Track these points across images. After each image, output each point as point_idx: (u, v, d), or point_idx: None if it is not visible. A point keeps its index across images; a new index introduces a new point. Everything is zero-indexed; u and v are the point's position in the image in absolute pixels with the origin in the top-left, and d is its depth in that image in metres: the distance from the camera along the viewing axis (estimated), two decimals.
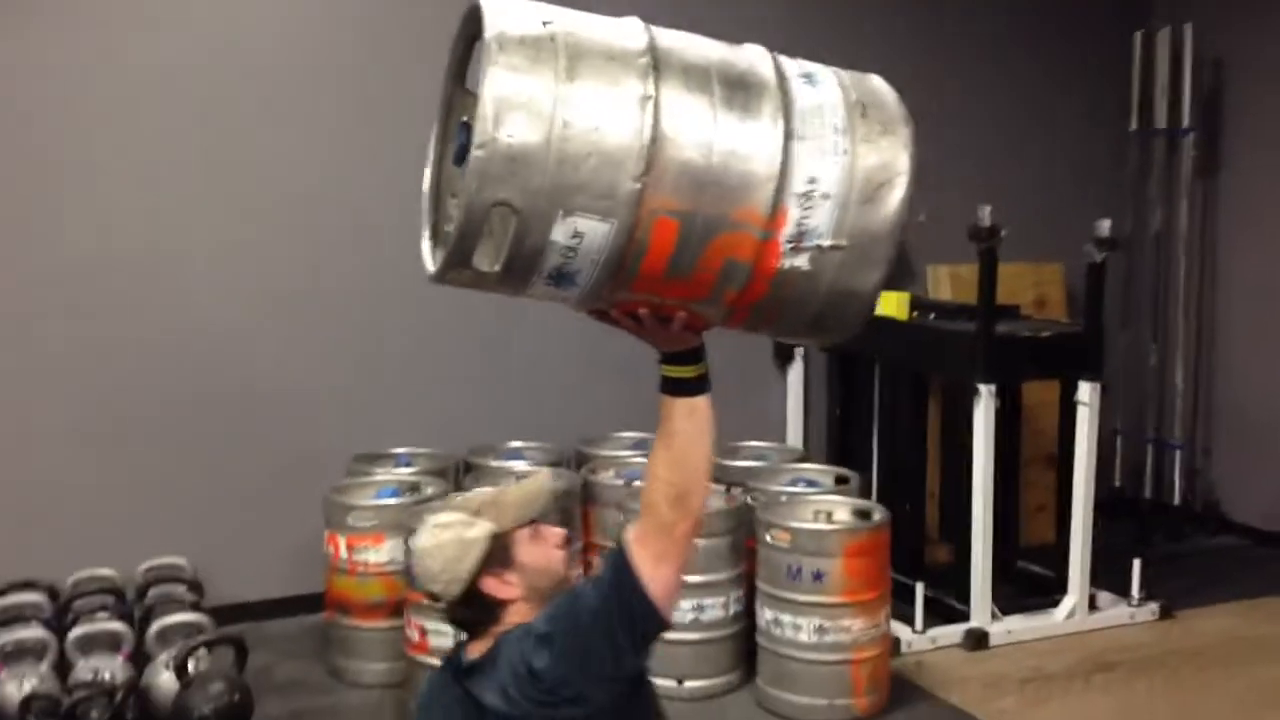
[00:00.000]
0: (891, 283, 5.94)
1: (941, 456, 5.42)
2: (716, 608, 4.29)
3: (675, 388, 1.91)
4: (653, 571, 1.88)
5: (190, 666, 3.93)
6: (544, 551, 2.09)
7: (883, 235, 1.76)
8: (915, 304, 5.47)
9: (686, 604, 4.24)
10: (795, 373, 5.83)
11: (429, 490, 4.59)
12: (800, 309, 1.80)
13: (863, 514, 4.30)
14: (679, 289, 1.76)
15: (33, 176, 4.68)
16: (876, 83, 1.89)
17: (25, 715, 3.84)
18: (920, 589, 4.74)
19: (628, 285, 1.74)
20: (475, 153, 1.61)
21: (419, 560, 2.07)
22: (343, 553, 4.40)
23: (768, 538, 4.15)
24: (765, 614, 4.17)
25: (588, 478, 4.84)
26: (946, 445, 5.37)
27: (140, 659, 4.15)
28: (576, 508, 4.71)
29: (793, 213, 1.71)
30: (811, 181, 1.72)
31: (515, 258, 1.67)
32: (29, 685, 3.91)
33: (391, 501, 4.49)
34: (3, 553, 4.57)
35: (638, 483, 4.74)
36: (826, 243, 1.74)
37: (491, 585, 2.03)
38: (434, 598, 2.11)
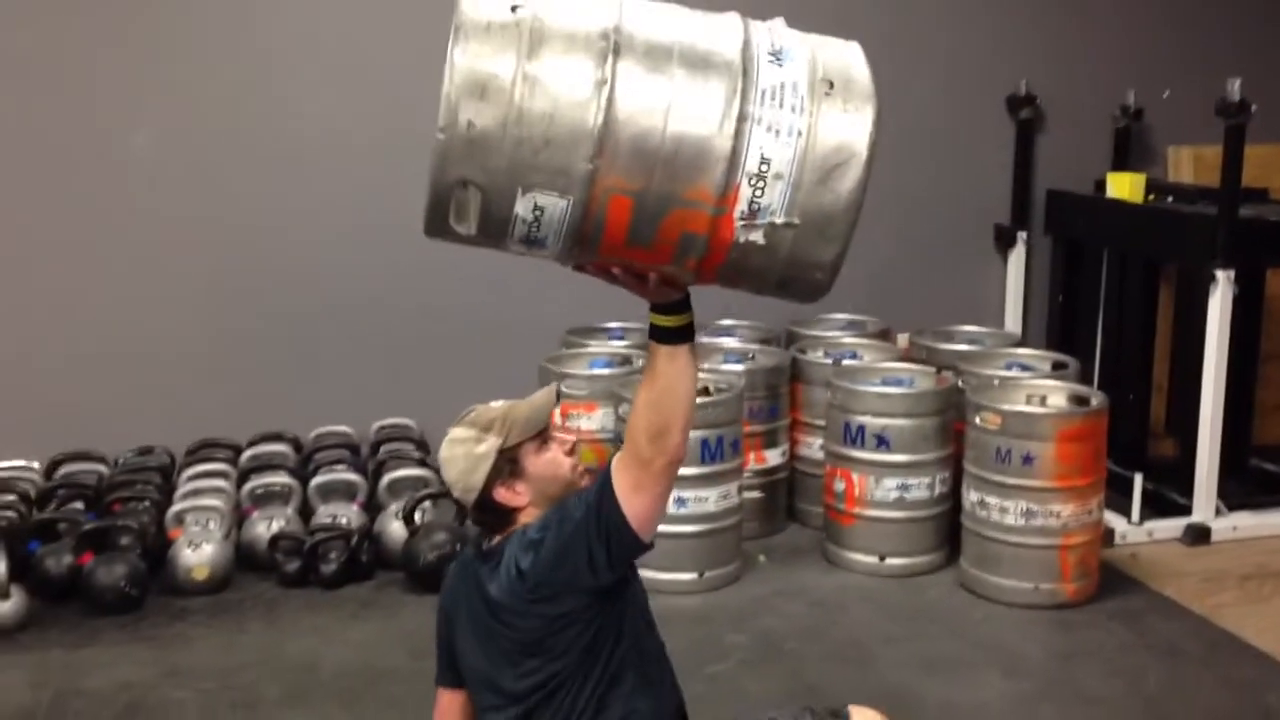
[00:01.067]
0: (1125, 164, 5.70)
1: (1171, 347, 5.17)
2: (921, 488, 4.27)
3: (659, 335, 2.03)
4: (629, 497, 2.05)
5: (417, 516, 4.23)
6: (551, 462, 2.28)
7: (836, 214, 1.79)
8: (1151, 187, 5.18)
9: (890, 482, 4.25)
10: (1017, 257, 5.64)
11: (640, 363, 4.72)
12: (763, 276, 1.86)
13: (1079, 400, 4.17)
14: (642, 255, 1.84)
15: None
16: (851, 56, 1.89)
17: (273, 552, 4.23)
18: (1139, 480, 4.58)
19: (594, 251, 1.84)
20: (438, 135, 1.72)
21: (441, 469, 2.30)
22: (556, 420, 4.58)
23: (977, 420, 4.08)
24: (971, 495, 4.12)
25: (796, 356, 4.86)
26: (1177, 336, 5.11)
27: (373, 508, 4.48)
28: (784, 385, 4.75)
29: (745, 191, 1.76)
30: (764, 163, 1.76)
31: (485, 225, 1.79)
32: (277, 525, 4.30)
33: (604, 372, 4.63)
34: (254, 409, 4.98)
35: (847, 361, 4.74)
36: (779, 220, 1.78)
37: (502, 494, 2.24)
38: (457, 502, 2.33)
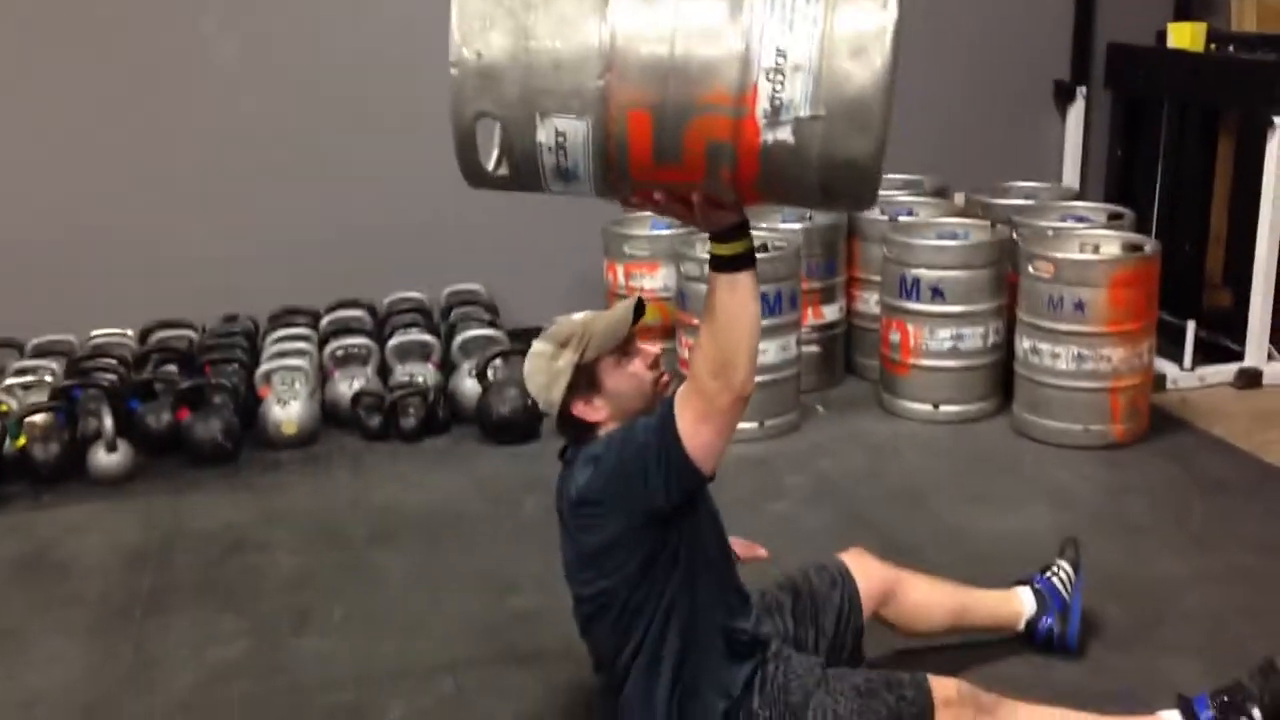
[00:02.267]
0: (1186, 13, 5.62)
1: (1230, 198, 5.17)
2: (975, 337, 4.38)
3: (717, 264, 1.99)
4: (692, 430, 2.04)
5: (489, 374, 4.44)
6: (630, 376, 2.28)
7: (865, 101, 1.70)
8: (1213, 36, 5.13)
9: (944, 333, 4.37)
10: (1076, 112, 5.64)
11: None
12: (801, 181, 1.77)
13: (1132, 247, 4.23)
14: (676, 173, 1.78)
15: None
16: None
17: (355, 408, 4.48)
18: (1191, 327, 4.66)
19: (628, 175, 1.79)
20: (451, 71, 1.72)
21: (526, 382, 2.32)
22: (620, 279, 4.75)
23: (1030, 269, 4.17)
24: (1024, 343, 4.23)
25: (853, 214, 4.94)
26: (1236, 186, 5.11)
27: (447, 367, 4.71)
28: (841, 243, 4.85)
29: (763, 88, 1.69)
30: (780, 55, 1.68)
31: (515, 161, 1.78)
32: (358, 384, 4.54)
33: (664, 232, 4.76)
34: (333, 276, 5.19)
35: (903, 217, 4.83)
36: (805, 114, 1.70)
37: (581, 409, 2.25)
38: (543, 413, 2.36)
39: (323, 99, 5.11)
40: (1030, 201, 4.97)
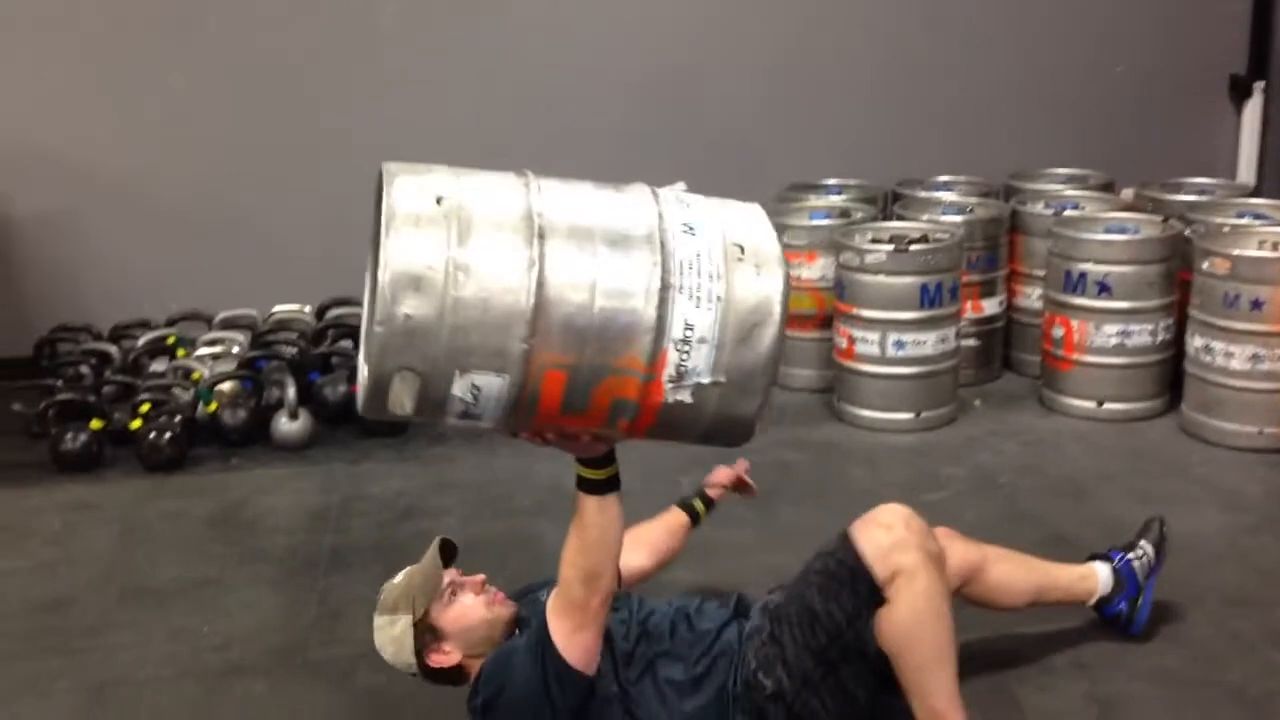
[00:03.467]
0: None
1: None
2: (1143, 334, 4.31)
3: (588, 487, 2.11)
4: (569, 641, 2.18)
5: None
6: (461, 610, 2.40)
7: (758, 370, 1.89)
8: None
9: (1111, 328, 4.30)
10: (1253, 107, 5.47)
11: (858, 215, 4.86)
12: (689, 430, 1.95)
13: None
14: (575, 421, 1.93)
15: None
16: (754, 220, 1.98)
17: None
18: None
19: (529, 420, 1.92)
20: (376, 328, 1.79)
21: (381, 654, 2.44)
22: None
23: (1205, 265, 4.08)
24: (1195, 341, 4.14)
25: (1016, 208, 4.90)
26: None
27: None
28: (1003, 236, 4.81)
29: (672, 356, 1.85)
30: (688, 328, 1.85)
31: (424, 405, 1.85)
32: None
33: (823, 223, 4.80)
34: None
35: (1069, 211, 4.76)
36: (706, 380, 1.87)
37: (437, 659, 2.41)
38: (415, 675, 2.45)
39: (501, 70, 5.22)
40: (1204, 197, 4.85)
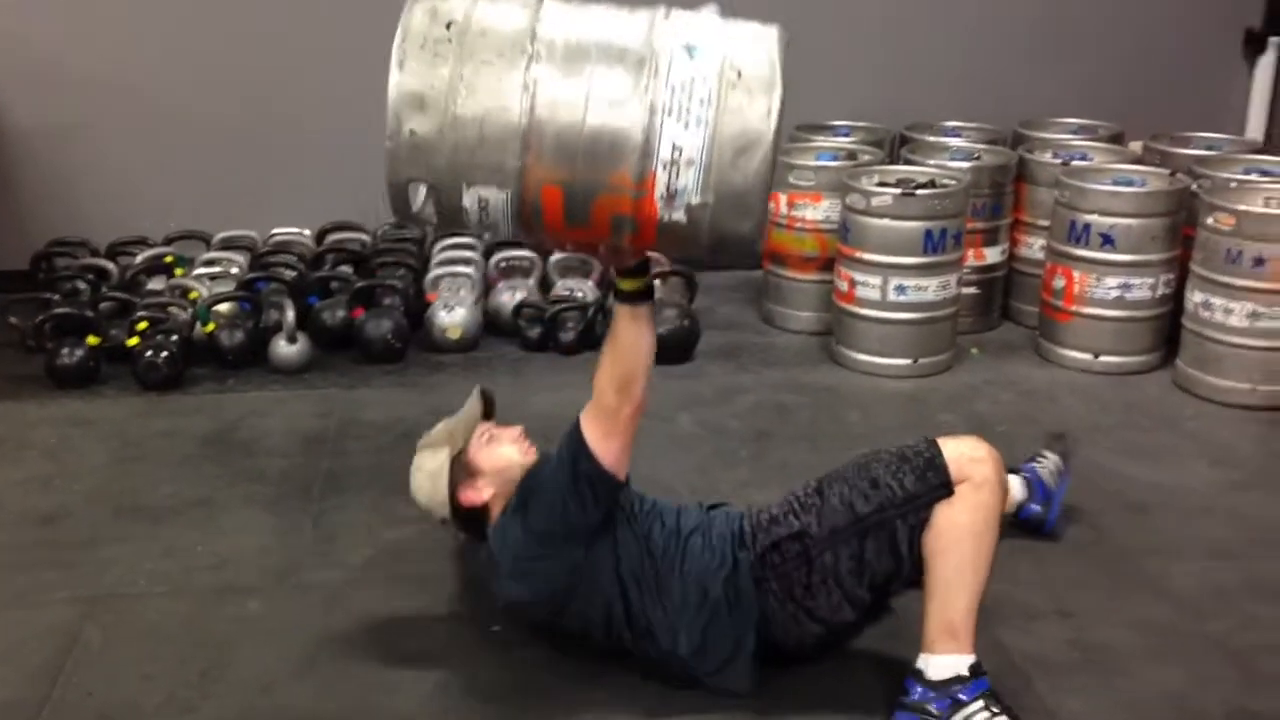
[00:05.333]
0: None
1: None
2: (1143, 288, 4.30)
3: (622, 297, 2.26)
4: (602, 444, 2.30)
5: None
6: (501, 451, 2.53)
7: (747, 191, 1.97)
8: None
9: (1112, 281, 4.30)
10: (1266, 62, 5.42)
11: (865, 158, 4.82)
12: (693, 247, 2.06)
13: None
14: (584, 234, 2.07)
15: None
16: (763, 44, 2.01)
17: (517, 319, 4.62)
18: None
19: (541, 231, 2.07)
20: (386, 143, 1.96)
21: (415, 499, 2.57)
22: (783, 209, 4.77)
23: (1210, 220, 4.06)
24: (1195, 297, 4.14)
25: (1024, 155, 4.86)
26: None
27: (605, 284, 4.80)
28: (1009, 184, 4.78)
29: (661, 176, 1.94)
30: (676, 150, 1.93)
31: (443, 214, 2.03)
32: (520, 295, 4.68)
33: (830, 164, 4.76)
34: None
35: (1076, 161, 4.73)
36: (695, 200, 1.96)
37: (469, 496, 2.49)
38: (443, 522, 2.58)
39: None
40: (1212, 152, 4.81)
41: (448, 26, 1.97)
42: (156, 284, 4.67)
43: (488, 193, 1.99)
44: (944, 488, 2.39)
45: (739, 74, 1.97)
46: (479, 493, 2.51)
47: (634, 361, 2.28)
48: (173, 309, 4.39)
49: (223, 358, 4.32)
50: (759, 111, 1.96)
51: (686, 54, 1.97)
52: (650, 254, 2.26)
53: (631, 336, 2.27)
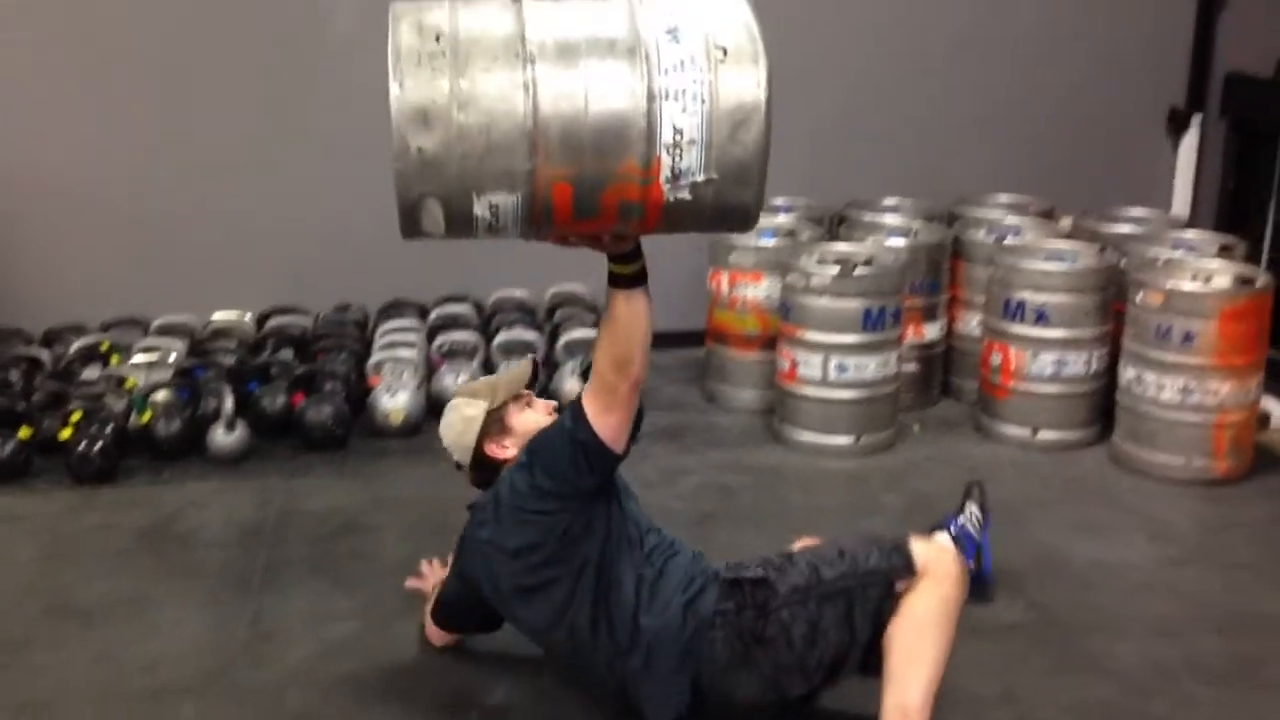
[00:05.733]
0: None
1: None
2: (1078, 364, 4.37)
3: (617, 281, 2.34)
4: (600, 419, 2.40)
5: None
6: (534, 417, 2.66)
7: (747, 163, 2.03)
8: None
9: (1047, 357, 4.36)
10: (1189, 141, 5.58)
11: (805, 236, 4.89)
12: (696, 222, 2.12)
13: (1244, 280, 4.19)
14: (591, 225, 2.12)
15: None
16: (739, 20, 2.07)
17: None
18: None
19: (549, 227, 2.11)
20: (394, 164, 1.98)
21: (442, 438, 2.70)
22: (724, 288, 4.81)
23: (1139, 297, 4.15)
24: (1128, 372, 4.21)
25: (959, 233, 4.95)
26: None
27: (550, 366, 4.81)
28: (946, 262, 4.87)
29: (665, 160, 2.00)
30: (677, 132, 1.99)
31: (452, 226, 2.06)
32: (463, 377, 4.64)
33: (770, 243, 4.81)
34: (443, 273, 5.33)
35: (1009, 238, 4.83)
36: (700, 178, 2.02)
37: (493, 449, 2.63)
38: (459, 466, 2.71)
39: None
40: (1140, 228, 4.94)
41: (437, 39, 2.00)
42: (91, 372, 4.60)
43: (498, 198, 2.02)
44: (906, 569, 2.48)
45: (724, 51, 2.02)
46: (504, 449, 2.64)
47: (629, 342, 2.34)
48: (108, 398, 4.32)
49: (159, 448, 4.25)
50: (750, 83, 2.02)
51: (672, 38, 2.03)
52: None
53: (626, 319, 2.32)
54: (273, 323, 5.06)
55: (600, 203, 2.04)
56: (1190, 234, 4.84)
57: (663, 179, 2.01)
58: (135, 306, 5.10)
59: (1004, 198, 5.37)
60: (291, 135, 5.22)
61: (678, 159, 2.00)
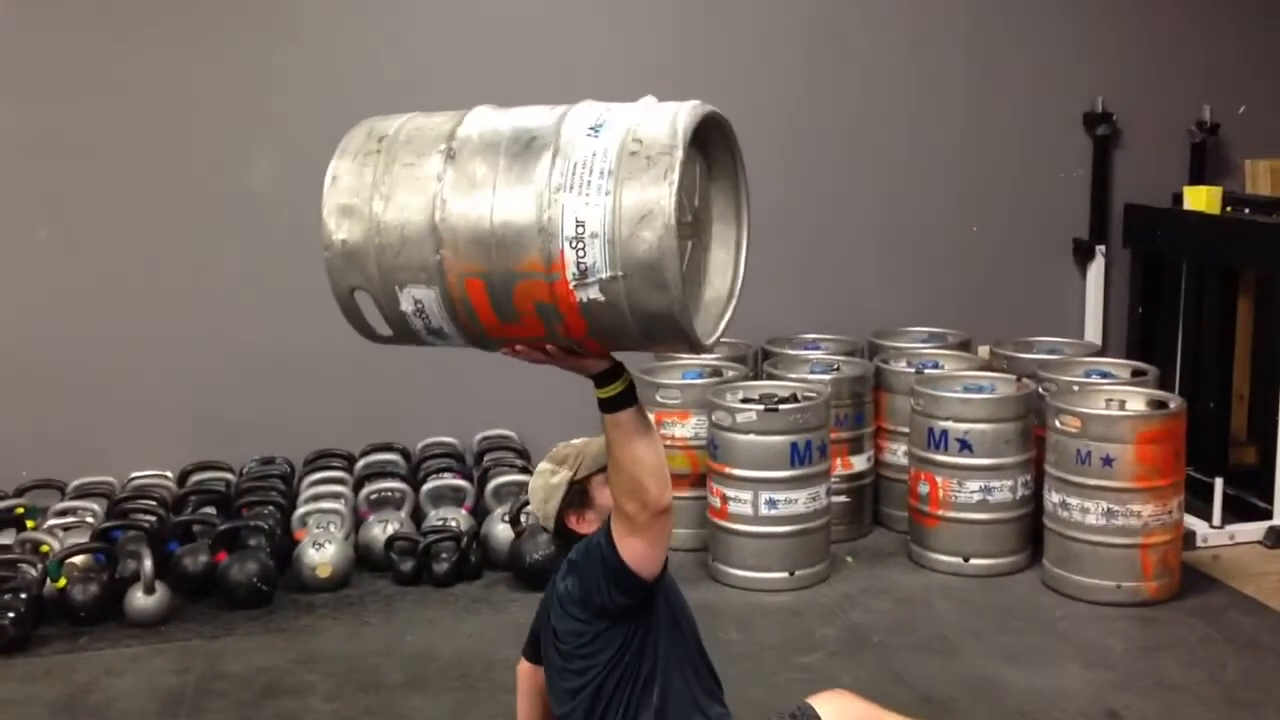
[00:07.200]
0: (1202, 178, 5.81)
1: (1251, 356, 5.26)
2: (1004, 490, 4.43)
3: (600, 405, 2.22)
4: (624, 543, 2.30)
5: (522, 520, 4.49)
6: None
7: (653, 262, 1.92)
8: (1228, 199, 5.30)
9: (973, 485, 4.42)
10: (1096, 270, 5.78)
11: (729, 374, 4.95)
12: (626, 332, 2.02)
13: (1157, 404, 4.31)
14: (521, 330, 2.06)
15: None
16: (676, 115, 1.98)
17: (389, 552, 4.52)
18: (1219, 485, 4.70)
19: (485, 332, 2.07)
20: (324, 254, 2.09)
21: (529, 499, 2.62)
22: None
23: (1058, 423, 4.24)
24: (1053, 497, 4.28)
25: (880, 366, 5.05)
26: (1257, 345, 5.21)
27: (479, 512, 4.76)
28: (869, 394, 4.94)
29: (569, 254, 1.95)
30: (579, 225, 1.94)
31: (390, 323, 2.10)
32: (392, 528, 4.59)
33: (696, 382, 4.86)
34: (367, 421, 5.30)
35: (929, 370, 4.93)
36: (605, 275, 1.94)
37: (574, 522, 2.54)
38: (544, 529, 2.63)
39: None
40: (1054, 356, 5.07)
41: (379, 140, 2.08)
42: (5, 538, 4.45)
43: (420, 292, 2.03)
44: None
45: (640, 142, 1.95)
46: (586, 524, 2.54)
47: (634, 470, 2.21)
48: (22, 565, 4.18)
49: (75, 614, 4.10)
50: (654, 177, 1.92)
51: (592, 132, 1.99)
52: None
53: (622, 445, 2.20)
54: (195, 479, 4.96)
55: (515, 303, 1.99)
56: (1104, 360, 4.99)
57: (569, 275, 1.94)
58: (52, 469, 4.98)
59: (922, 329, 5.50)
60: (210, 290, 5.21)
61: (581, 253, 1.93)
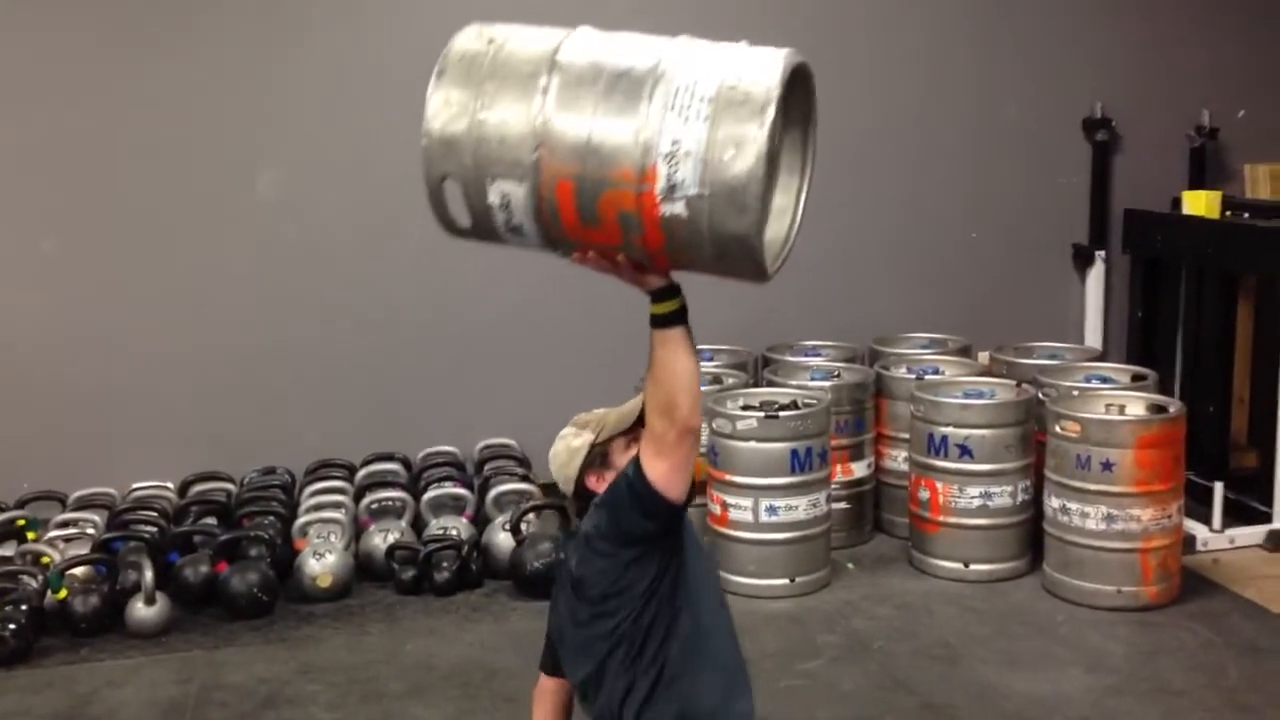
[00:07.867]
0: (1201, 183, 5.80)
1: (1251, 360, 5.26)
2: (1004, 496, 4.43)
3: (653, 321, 2.29)
4: (650, 464, 2.32)
5: (522, 528, 4.50)
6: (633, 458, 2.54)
7: (741, 186, 2.03)
8: (1227, 204, 5.30)
9: (974, 490, 4.42)
10: (1096, 275, 5.78)
11: (729, 381, 4.95)
12: (700, 250, 2.11)
13: (1157, 408, 4.31)
14: (599, 235, 2.14)
15: None
16: (770, 64, 2.10)
17: (390, 561, 4.52)
18: (1219, 489, 4.69)
19: (563, 234, 2.16)
20: (422, 141, 2.15)
21: (550, 462, 2.60)
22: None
23: (1057, 429, 4.24)
24: (1053, 502, 4.27)
25: (880, 372, 5.05)
26: (1257, 348, 5.20)
27: (480, 520, 4.76)
28: (869, 401, 4.94)
29: (661, 169, 2.04)
30: (675, 143, 2.04)
31: (473, 215, 2.16)
32: (393, 537, 4.59)
33: None
34: (369, 430, 5.30)
35: (929, 375, 4.93)
36: (693, 192, 2.04)
37: (593, 483, 2.54)
38: (561, 494, 2.63)
39: (357, 263, 5.30)
40: (1054, 361, 5.07)
41: (490, 42, 2.18)
42: (6, 550, 4.47)
43: (509, 187, 2.10)
44: None
45: (739, 78, 2.07)
46: (603, 484, 2.54)
47: (672, 385, 2.26)
48: (23, 577, 4.19)
49: (76, 626, 4.10)
50: (752, 110, 2.04)
51: (693, 62, 2.10)
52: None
53: (667, 361, 2.27)
54: (196, 490, 4.97)
55: (600, 209, 2.08)
56: (1104, 366, 4.99)
57: (658, 189, 2.04)
58: (53, 480, 4.98)
59: (922, 335, 5.50)
60: (211, 301, 5.22)
61: (673, 169, 2.03)
